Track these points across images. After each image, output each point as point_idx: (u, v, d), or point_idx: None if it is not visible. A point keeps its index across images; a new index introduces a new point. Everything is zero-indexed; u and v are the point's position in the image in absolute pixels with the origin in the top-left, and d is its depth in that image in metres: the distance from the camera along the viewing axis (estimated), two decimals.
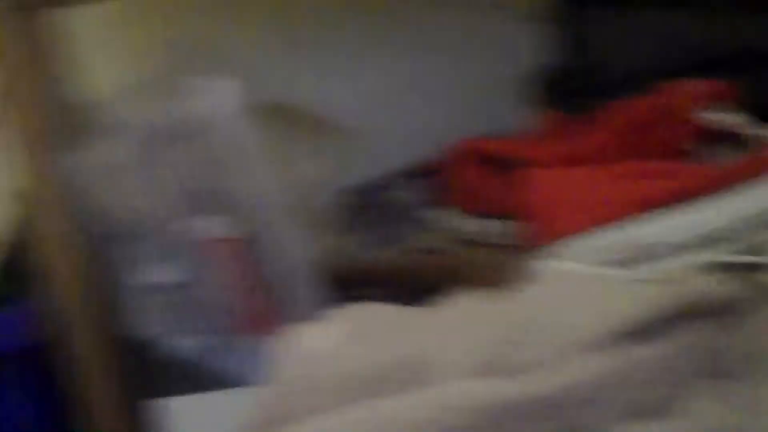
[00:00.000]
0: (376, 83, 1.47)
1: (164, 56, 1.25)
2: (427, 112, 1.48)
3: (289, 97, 1.28)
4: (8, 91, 1.04)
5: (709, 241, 1.00)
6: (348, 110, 1.39)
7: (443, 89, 1.50)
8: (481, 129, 1.35)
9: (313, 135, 1.25)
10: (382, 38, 1.47)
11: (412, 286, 1.07)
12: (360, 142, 1.32)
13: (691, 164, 1.17)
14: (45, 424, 1.07)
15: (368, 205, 1.30)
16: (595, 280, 0.97)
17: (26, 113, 1.05)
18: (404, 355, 0.92)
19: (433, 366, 0.90)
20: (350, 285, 1.08)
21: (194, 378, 1.07)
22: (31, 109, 1.05)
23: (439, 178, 1.32)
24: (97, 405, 1.06)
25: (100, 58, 1.33)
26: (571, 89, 1.37)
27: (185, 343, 1.06)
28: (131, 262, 1.07)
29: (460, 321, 0.93)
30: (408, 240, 1.22)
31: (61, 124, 1.06)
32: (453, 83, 1.50)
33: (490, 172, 1.26)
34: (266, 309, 1.07)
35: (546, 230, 1.09)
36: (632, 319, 0.86)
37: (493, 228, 1.21)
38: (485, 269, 1.09)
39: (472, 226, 1.23)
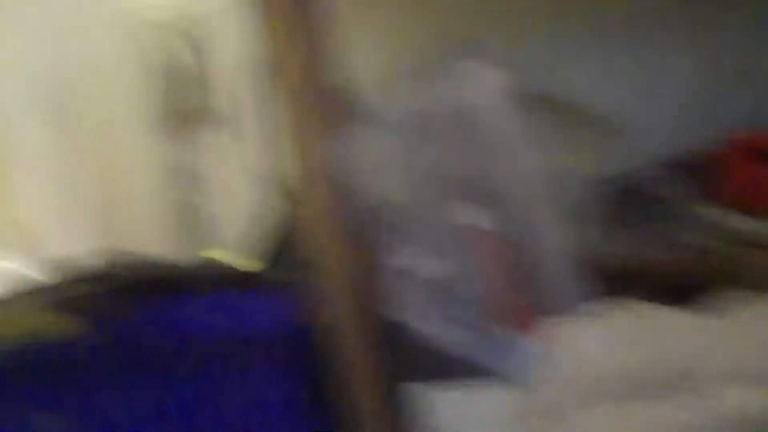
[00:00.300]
0: (635, 74, 1.45)
1: (429, 45, 1.24)
2: (686, 104, 1.44)
3: (550, 87, 1.26)
4: (277, 78, 1.05)
5: None
6: (607, 101, 1.36)
7: (702, 82, 1.45)
8: (741, 122, 1.30)
9: (574, 126, 1.22)
10: (642, 30, 1.44)
11: (679, 287, 1.02)
12: (619, 134, 1.29)
13: None
14: (301, 408, 1.08)
15: (629, 199, 1.26)
16: None
17: (296, 101, 1.06)
18: (672, 359, 0.88)
19: (704, 373, 0.86)
20: (613, 282, 1.05)
21: (454, 369, 1.05)
22: (301, 97, 1.06)
23: (705, 171, 1.27)
24: (358, 391, 1.06)
25: (366, 46, 1.34)
26: None
27: (446, 333, 1.05)
28: (395, 250, 1.07)
29: (737, 327, 0.88)
30: (674, 237, 1.18)
31: (329, 111, 1.06)
32: (712, 76, 1.45)
33: (765, 167, 1.20)
34: (526, 303, 1.05)
35: None
36: None
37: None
38: (761, 272, 1.04)
39: (745, 224, 1.17)
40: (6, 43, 1.59)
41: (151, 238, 1.34)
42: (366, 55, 1.33)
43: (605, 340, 0.96)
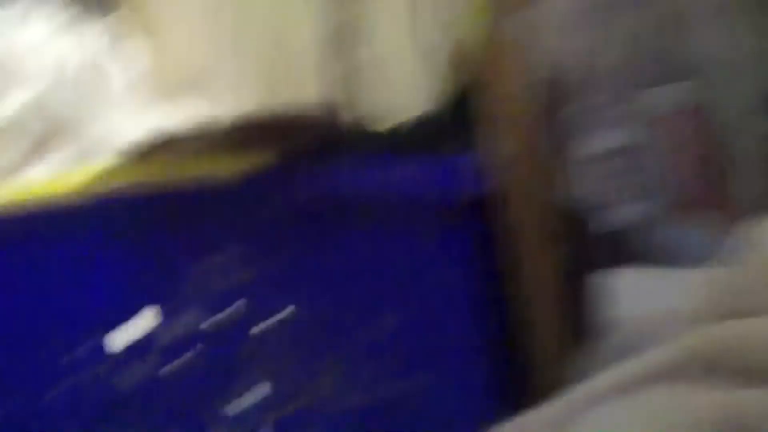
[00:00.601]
0: None
1: None
2: None
3: None
4: None
5: None
6: None
7: None
8: None
9: None
10: None
11: None
12: None
13: None
14: (479, 282, 1.04)
15: None
16: None
17: None
18: None
19: None
20: None
21: (633, 250, 1.02)
22: None
23: None
24: (532, 269, 1.03)
25: None
26: None
27: (626, 213, 1.02)
28: (578, 125, 1.03)
29: None
30: None
31: None
32: None
33: None
34: (716, 187, 1.01)
35: None
36: None
37: None
38: None
39: None
40: None
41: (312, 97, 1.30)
42: None
43: None
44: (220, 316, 1.03)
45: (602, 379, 0.82)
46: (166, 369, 1.02)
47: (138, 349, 1.02)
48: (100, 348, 1.02)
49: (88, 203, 1.01)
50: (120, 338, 1.02)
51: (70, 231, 1.02)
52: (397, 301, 1.01)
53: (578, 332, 1.03)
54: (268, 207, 1.00)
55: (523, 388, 1.02)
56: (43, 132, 1.27)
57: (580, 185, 1.03)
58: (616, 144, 1.03)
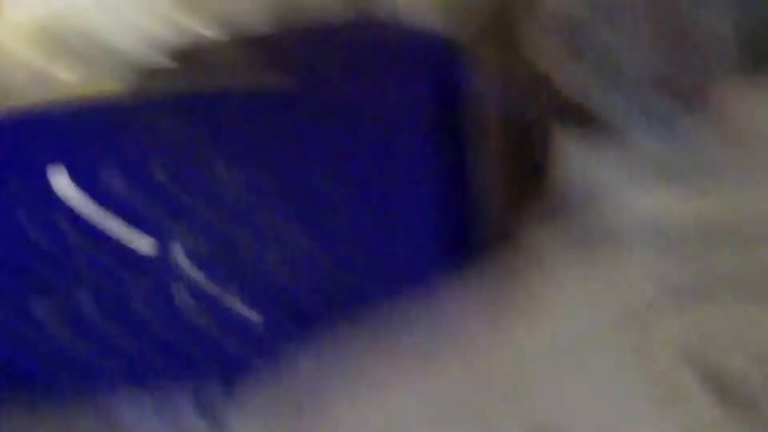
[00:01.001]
0: None
1: None
2: None
3: None
4: None
5: None
6: None
7: None
8: None
9: None
10: None
11: None
12: None
13: None
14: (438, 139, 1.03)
15: None
16: None
17: None
18: None
19: None
20: None
21: (592, 116, 1.03)
22: None
23: None
24: (492, 128, 1.03)
25: None
26: None
27: (585, 80, 1.04)
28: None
29: None
30: None
31: None
32: None
33: None
34: (695, 81, 1.03)
35: None
36: None
37: None
38: None
39: None
40: None
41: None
42: None
43: None
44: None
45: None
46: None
47: (148, 262, 1.01)
48: (117, 256, 1.01)
49: (107, 108, 1.03)
50: (130, 249, 1.01)
51: (83, 136, 1.03)
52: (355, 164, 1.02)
53: (532, 190, 1.04)
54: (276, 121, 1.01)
55: (473, 242, 1.03)
56: (64, 43, 1.30)
57: (544, 50, 1.04)
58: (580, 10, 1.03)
